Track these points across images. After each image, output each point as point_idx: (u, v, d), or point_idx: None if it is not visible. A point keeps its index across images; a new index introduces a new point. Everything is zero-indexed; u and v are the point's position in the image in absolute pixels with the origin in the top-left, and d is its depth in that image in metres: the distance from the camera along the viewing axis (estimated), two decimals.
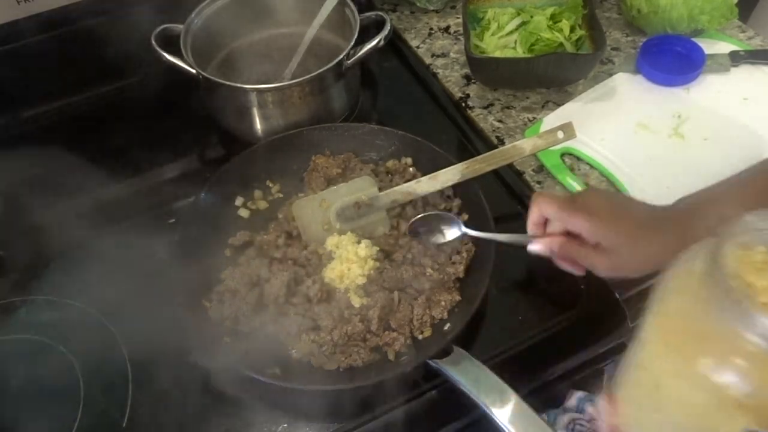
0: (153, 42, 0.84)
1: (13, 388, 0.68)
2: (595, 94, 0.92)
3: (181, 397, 0.66)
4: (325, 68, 0.82)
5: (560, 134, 0.77)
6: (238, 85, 0.83)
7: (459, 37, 1.04)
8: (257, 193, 0.80)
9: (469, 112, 0.93)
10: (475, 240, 0.73)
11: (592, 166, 0.84)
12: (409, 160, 0.81)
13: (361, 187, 0.76)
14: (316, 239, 0.74)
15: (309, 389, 0.64)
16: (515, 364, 0.67)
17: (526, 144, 0.77)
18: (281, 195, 0.81)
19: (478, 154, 0.78)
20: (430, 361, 0.62)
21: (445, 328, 0.67)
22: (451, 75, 0.98)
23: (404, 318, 0.67)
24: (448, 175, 0.76)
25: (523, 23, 0.96)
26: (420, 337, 0.68)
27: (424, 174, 0.78)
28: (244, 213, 0.79)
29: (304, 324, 0.67)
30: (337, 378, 0.65)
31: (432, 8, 1.08)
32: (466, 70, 0.97)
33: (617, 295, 0.71)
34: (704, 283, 0.33)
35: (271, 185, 0.82)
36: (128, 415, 0.65)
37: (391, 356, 0.66)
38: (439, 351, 0.63)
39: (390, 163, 0.82)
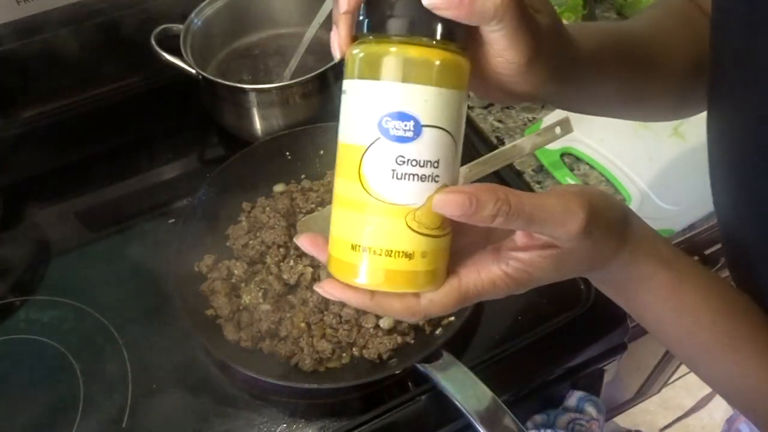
0: (153, 42, 0.84)
1: (13, 388, 0.68)
2: None
3: (181, 397, 0.66)
4: (325, 68, 0.82)
5: (558, 130, 0.77)
6: (238, 85, 0.83)
7: None
8: (258, 193, 0.80)
9: (468, 112, 0.93)
10: None
11: (591, 166, 0.84)
12: None
13: None
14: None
15: (309, 389, 0.65)
16: (515, 364, 0.67)
17: (525, 143, 0.77)
18: (281, 194, 0.81)
19: (478, 154, 0.78)
20: (418, 365, 0.62)
21: (437, 332, 0.67)
22: None
23: (398, 321, 0.67)
24: None
25: None
26: (412, 342, 0.68)
27: None
28: (244, 214, 0.79)
29: (302, 325, 0.67)
30: (333, 378, 0.65)
31: None
32: None
33: None
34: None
35: (271, 185, 0.82)
36: (128, 415, 0.65)
37: (384, 357, 0.66)
38: (430, 355, 0.62)
39: None
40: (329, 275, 0.38)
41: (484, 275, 0.38)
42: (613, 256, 0.40)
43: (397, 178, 0.34)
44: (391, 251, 0.35)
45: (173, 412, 0.65)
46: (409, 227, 0.35)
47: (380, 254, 0.35)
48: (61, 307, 0.73)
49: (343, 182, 0.36)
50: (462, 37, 0.35)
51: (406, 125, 0.34)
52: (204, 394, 0.66)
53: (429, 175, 0.34)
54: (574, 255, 0.37)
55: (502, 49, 0.36)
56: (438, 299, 0.37)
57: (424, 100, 0.34)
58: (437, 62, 0.34)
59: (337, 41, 0.36)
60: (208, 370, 0.68)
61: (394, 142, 0.34)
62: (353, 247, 0.36)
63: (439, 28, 0.34)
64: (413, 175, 0.34)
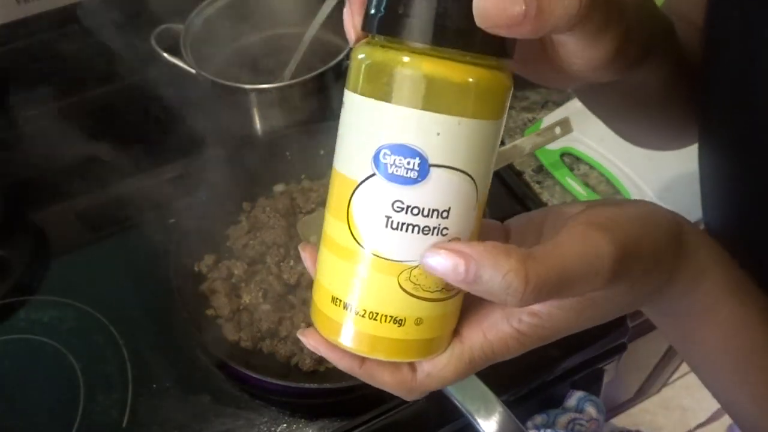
0: (153, 42, 0.84)
1: (13, 388, 0.68)
2: None
3: (181, 397, 0.66)
4: (325, 68, 0.82)
5: (557, 130, 0.77)
6: (238, 85, 0.83)
7: None
8: (258, 193, 0.81)
9: None
10: None
11: (591, 166, 0.84)
12: None
13: None
14: None
15: (309, 389, 0.64)
16: (515, 364, 0.67)
17: (525, 143, 0.77)
18: (281, 194, 0.81)
19: None
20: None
21: None
22: None
23: None
24: None
25: None
26: None
27: None
28: (244, 214, 0.79)
29: (302, 325, 0.67)
30: (333, 378, 0.65)
31: None
32: None
33: None
34: None
35: (271, 185, 0.82)
36: (128, 415, 0.65)
37: None
38: None
39: None
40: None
41: (492, 336, 0.30)
42: (662, 288, 0.32)
43: (392, 227, 0.27)
44: (377, 314, 0.29)
45: (173, 412, 0.65)
46: (403, 289, 0.28)
47: (363, 315, 0.29)
48: (61, 307, 0.73)
49: (330, 219, 0.30)
50: (505, 46, 0.27)
51: (409, 163, 0.26)
52: (204, 394, 0.66)
53: (434, 228, 0.27)
54: (604, 300, 0.30)
55: (579, 51, 0.27)
56: (436, 372, 0.31)
57: (437, 133, 0.26)
58: (461, 83, 0.26)
59: (350, 21, 0.28)
60: (208, 370, 0.68)
61: (392, 182, 0.27)
62: (334, 300, 0.29)
63: (474, 36, 0.25)
64: (413, 225, 0.27)
